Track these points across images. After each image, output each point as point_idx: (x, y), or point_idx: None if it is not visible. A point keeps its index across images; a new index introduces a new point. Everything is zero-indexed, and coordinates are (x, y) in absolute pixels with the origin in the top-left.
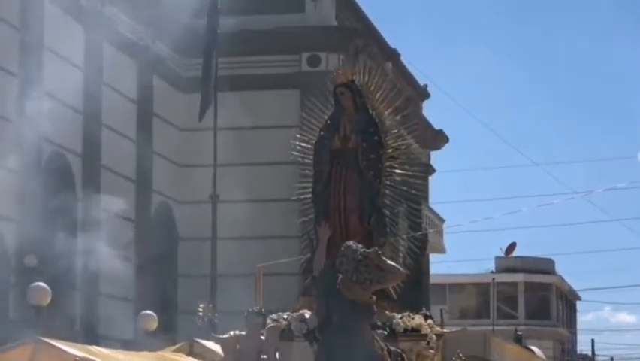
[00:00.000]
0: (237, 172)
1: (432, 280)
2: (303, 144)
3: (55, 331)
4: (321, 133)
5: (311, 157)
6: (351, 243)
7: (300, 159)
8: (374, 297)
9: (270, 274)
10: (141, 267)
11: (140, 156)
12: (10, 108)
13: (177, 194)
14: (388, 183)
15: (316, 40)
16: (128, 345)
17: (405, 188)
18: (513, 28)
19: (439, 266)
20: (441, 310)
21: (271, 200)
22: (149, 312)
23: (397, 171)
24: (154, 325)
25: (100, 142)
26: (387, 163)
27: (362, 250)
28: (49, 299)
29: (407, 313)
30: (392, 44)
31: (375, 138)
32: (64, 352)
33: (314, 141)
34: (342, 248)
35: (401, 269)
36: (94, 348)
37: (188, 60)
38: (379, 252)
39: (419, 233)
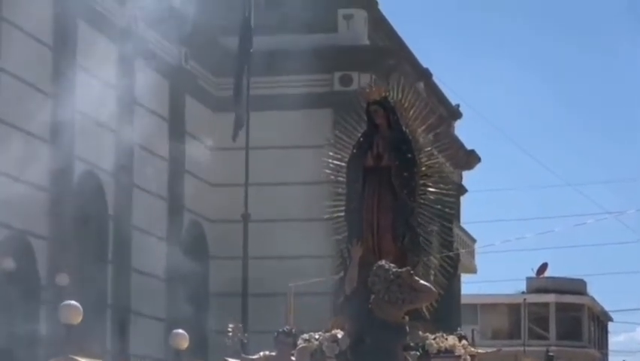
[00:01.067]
0: (269, 191)
1: (463, 300)
2: (335, 162)
3: (86, 349)
4: (354, 151)
5: (344, 175)
6: (383, 262)
7: (332, 177)
8: (407, 317)
9: (301, 294)
10: (172, 286)
11: (171, 174)
12: (43, 127)
13: (209, 213)
14: (422, 201)
15: (348, 59)
16: None
17: (439, 207)
18: (548, 49)
19: (471, 286)
20: (472, 331)
21: (303, 220)
22: (180, 331)
23: (431, 189)
24: (185, 344)
25: (132, 161)
26: (421, 181)
27: (394, 269)
28: (80, 318)
29: (440, 333)
30: (424, 64)
31: (409, 155)
32: None
33: (347, 159)
34: (375, 267)
35: (434, 289)
36: None
37: (221, 79)
38: (412, 271)
39: (452, 252)
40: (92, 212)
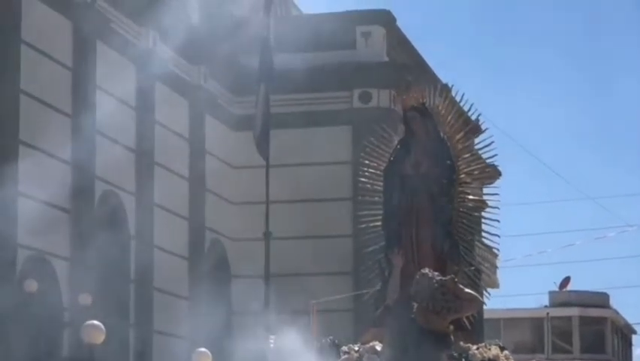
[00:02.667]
0: (290, 209)
1: (486, 315)
2: (371, 170)
3: None
4: (391, 158)
5: (380, 184)
6: (426, 270)
7: (368, 185)
8: (451, 327)
9: (323, 311)
10: (194, 304)
11: (192, 193)
12: (63, 148)
13: (230, 231)
14: (461, 209)
15: (367, 76)
16: None
17: (477, 214)
18: (562, 65)
19: (493, 301)
20: None
21: (323, 236)
22: (203, 349)
23: (470, 197)
24: None
25: (153, 180)
26: (460, 189)
27: (438, 277)
28: (103, 337)
29: (484, 344)
30: (443, 79)
31: (448, 162)
32: None
33: (383, 167)
34: (417, 276)
35: (479, 297)
36: None
37: (240, 98)
38: (455, 279)
39: (482, 264)
40: (113, 232)
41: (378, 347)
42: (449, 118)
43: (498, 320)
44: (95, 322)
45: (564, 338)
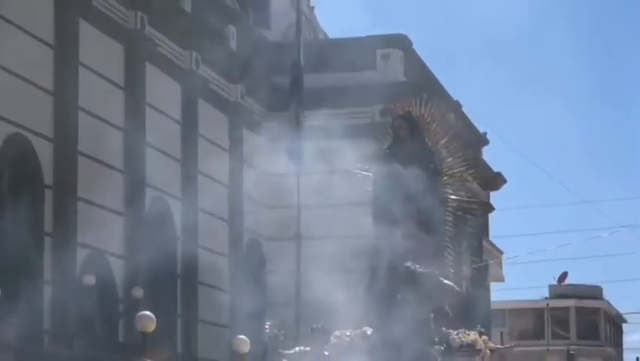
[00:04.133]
0: (318, 213)
1: (492, 306)
2: (364, 173)
3: (160, 354)
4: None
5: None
6: (409, 263)
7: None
8: (432, 314)
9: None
10: (235, 296)
11: (231, 198)
12: (117, 158)
13: (265, 232)
14: (446, 208)
15: (386, 94)
16: None
17: (460, 213)
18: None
19: (499, 293)
20: (501, 333)
21: (348, 236)
22: (242, 336)
23: (452, 197)
24: (246, 347)
25: (196, 187)
26: (443, 190)
27: (420, 269)
28: (154, 326)
29: (462, 329)
30: (454, 96)
31: (431, 165)
32: None
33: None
34: (403, 268)
35: (457, 288)
36: None
37: (274, 113)
38: (436, 272)
39: (480, 264)
40: (162, 233)
41: (369, 332)
42: (434, 125)
43: (503, 310)
44: (147, 312)
45: (562, 326)
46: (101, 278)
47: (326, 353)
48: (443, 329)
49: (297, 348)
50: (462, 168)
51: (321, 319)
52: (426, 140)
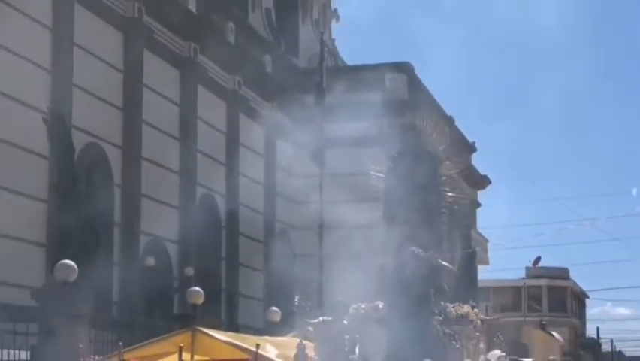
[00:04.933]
0: (339, 207)
1: (479, 284)
2: (377, 174)
3: (207, 322)
4: (390, 165)
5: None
6: (414, 248)
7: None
8: (432, 290)
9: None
10: (268, 275)
11: (267, 194)
12: (174, 164)
13: (294, 222)
14: (444, 202)
15: (392, 109)
16: (259, 332)
17: (456, 207)
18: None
19: (485, 274)
20: (486, 306)
21: (363, 227)
22: (274, 308)
23: (450, 193)
24: (278, 317)
25: (238, 183)
26: (442, 188)
27: (422, 253)
28: (202, 299)
29: (457, 303)
30: (448, 112)
31: (432, 168)
32: (214, 337)
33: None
34: (408, 252)
35: (453, 268)
36: (233, 334)
37: (300, 126)
38: (435, 255)
39: (469, 250)
40: (209, 223)
41: (380, 305)
42: (434, 135)
43: (488, 288)
44: (197, 288)
45: (536, 301)
46: (159, 260)
47: (345, 322)
48: (442, 303)
49: (320, 318)
50: (457, 171)
51: (340, 294)
52: (428, 147)
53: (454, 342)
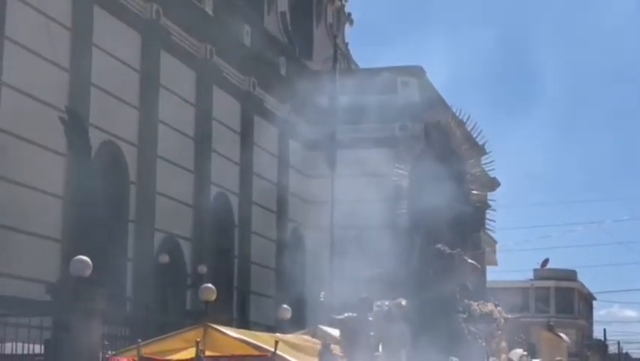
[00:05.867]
0: (349, 207)
1: (488, 285)
2: (401, 171)
3: (220, 318)
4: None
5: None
6: (440, 246)
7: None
8: (457, 288)
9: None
10: (280, 273)
11: (279, 194)
12: (191, 162)
13: (305, 222)
14: (469, 200)
15: (405, 113)
16: (270, 329)
17: (479, 205)
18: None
19: (493, 275)
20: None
21: (373, 226)
22: (285, 306)
23: (475, 191)
24: (289, 315)
25: (251, 184)
26: (467, 186)
27: (448, 251)
28: (214, 296)
29: (482, 301)
30: (459, 114)
31: (457, 166)
32: (225, 333)
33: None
34: (434, 249)
35: (478, 266)
36: (245, 331)
37: (314, 127)
38: (461, 252)
39: (479, 251)
40: (223, 222)
41: (404, 302)
42: (458, 133)
43: (496, 288)
44: (209, 285)
45: (544, 302)
46: (173, 257)
47: (370, 318)
48: (466, 300)
49: (345, 314)
50: (480, 169)
51: (355, 292)
52: (452, 145)
53: (480, 340)
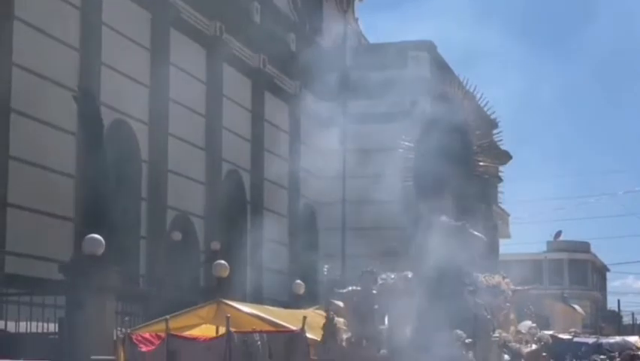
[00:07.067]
0: (360, 181)
1: (500, 258)
2: (407, 143)
3: (232, 295)
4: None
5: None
6: (444, 217)
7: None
8: (462, 260)
9: (386, 255)
10: (293, 249)
11: (291, 170)
12: (202, 140)
13: (318, 198)
14: (476, 171)
15: (415, 88)
16: (284, 305)
17: (487, 176)
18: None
19: (506, 248)
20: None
21: (384, 202)
22: (298, 281)
23: (482, 163)
24: (302, 290)
25: (263, 162)
26: (474, 157)
27: (453, 223)
28: (227, 272)
29: (489, 273)
30: (470, 88)
31: (465, 136)
32: (238, 309)
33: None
34: (438, 221)
35: (484, 238)
36: (259, 306)
37: (325, 103)
38: (467, 225)
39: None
40: (235, 199)
41: (410, 275)
42: (465, 104)
43: (510, 261)
44: (222, 261)
45: (557, 274)
46: (186, 234)
47: (374, 291)
48: (472, 273)
49: (349, 287)
50: (489, 140)
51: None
52: (460, 115)
53: (485, 312)
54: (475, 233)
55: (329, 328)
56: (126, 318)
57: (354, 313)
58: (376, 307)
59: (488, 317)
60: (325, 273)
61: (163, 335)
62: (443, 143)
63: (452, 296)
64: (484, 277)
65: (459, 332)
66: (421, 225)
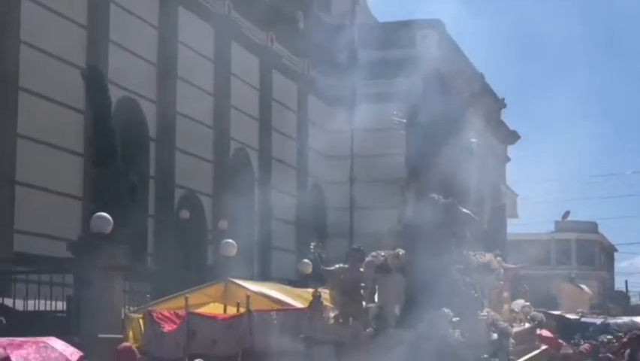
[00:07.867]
0: (369, 160)
1: (509, 238)
2: (399, 119)
3: (240, 274)
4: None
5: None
6: (434, 195)
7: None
8: (452, 238)
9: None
10: (300, 229)
11: (299, 149)
12: (210, 118)
13: (325, 177)
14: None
15: (424, 66)
16: (291, 284)
17: (476, 152)
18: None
19: (514, 228)
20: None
21: (391, 179)
22: (306, 260)
23: (473, 140)
24: (309, 269)
25: (271, 141)
26: (466, 135)
27: (442, 200)
28: (235, 251)
29: (480, 251)
30: (479, 69)
31: (457, 112)
32: (246, 288)
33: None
34: (428, 199)
35: (473, 216)
36: (267, 283)
37: (333, 82)
38: (455, 202)
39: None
40: (243, 177)
41: (401, 252)
42: (458, 80)
43: (518, 241)
44: (230, 240)
45: (565, 254)
46: (193, 213)
47: (361, 269)
48: (463, 251)
49: (336, 265)
50: (480, 118)
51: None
52: (453, 92)
53: (474, 291)
54: (464, 210)
55: (315, 305)
56: (148, 295)
57: (340, 290)
58: (362, 284)
59: (476, 295)
60: (312, 249)
61: (181, 312)
62: (434, 119)
63: (440, 274)
64: (475, 255)
65: (446, 310)
66: (410, 201)
